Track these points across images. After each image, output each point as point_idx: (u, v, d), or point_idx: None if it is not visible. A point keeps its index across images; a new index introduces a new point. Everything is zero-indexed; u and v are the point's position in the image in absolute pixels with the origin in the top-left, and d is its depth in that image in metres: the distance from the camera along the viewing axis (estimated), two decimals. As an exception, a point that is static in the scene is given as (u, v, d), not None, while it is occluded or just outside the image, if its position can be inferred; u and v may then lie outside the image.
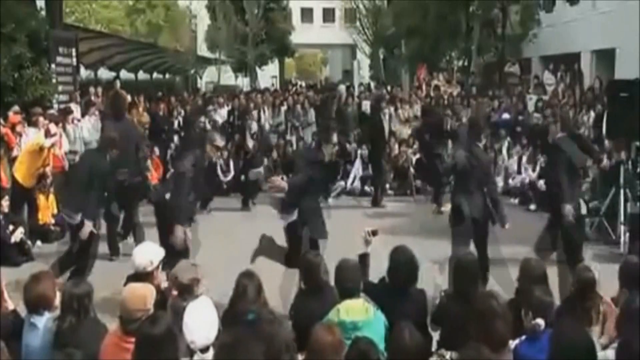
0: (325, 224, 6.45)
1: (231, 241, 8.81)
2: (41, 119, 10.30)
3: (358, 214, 11.44)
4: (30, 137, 9.91)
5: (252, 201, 11.91)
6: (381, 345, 3.99)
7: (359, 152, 13.60)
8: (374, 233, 5.03)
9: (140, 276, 4.60)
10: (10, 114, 10.54)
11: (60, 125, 10.54)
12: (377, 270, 4.88)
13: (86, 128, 11.57)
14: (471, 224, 6.78)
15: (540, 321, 3.79)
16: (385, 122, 13.01)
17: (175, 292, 4.40)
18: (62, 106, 12.54)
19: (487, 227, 6.91)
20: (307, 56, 58.56)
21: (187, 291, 4.31)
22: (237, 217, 11.16)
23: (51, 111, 11.56)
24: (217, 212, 11.36)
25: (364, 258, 4.94)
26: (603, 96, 13.27)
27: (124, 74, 24.37)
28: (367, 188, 13.03)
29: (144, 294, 3.87)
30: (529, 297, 3.94)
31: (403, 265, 4.57)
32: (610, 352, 3.69)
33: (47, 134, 9.52)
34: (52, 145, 9.57)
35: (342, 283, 4.34)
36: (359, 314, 4.16)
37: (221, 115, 14.54)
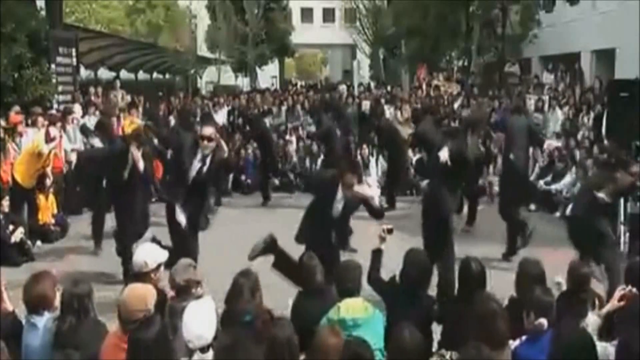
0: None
1: (237, 240, 8.82)
2: (40, 118, 10.29)
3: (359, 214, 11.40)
4: (30, 137, 9.89)
5: None
6: (380, 343, 4.01)
7: (358, 152, 13.58)
8: (390, 231, 5.07)
9: (139, 276, 4.60)
10: (12, 113, 10.53)
11: (60, 125, 10.52)
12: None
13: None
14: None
15: (544, 321, 3.79)
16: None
17: (172, 293, 4.40)
18: (62, 106, 12.54)
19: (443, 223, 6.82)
20: (307, 56, 58.46)
21: (185, 292, 4.30)
22: (242, 216, 11.19)
23: (52, 111, 11.56)
24: (223, 210, 11.37)
25: (377, 253, 4.98)
26: (603, 96, 13.27)
27: (124, 74, 24.35)
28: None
29: (144, 294, 3.86)
30: (530, 297, 3.94)
31: (414, 267, 4.61)
32: (611, 349, 3.69)
33: (47, 137, 9.47)
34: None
35: (342, 283, 4.37)
36: (359, 311, 4.19)
37: (221, 115, 14.52)
